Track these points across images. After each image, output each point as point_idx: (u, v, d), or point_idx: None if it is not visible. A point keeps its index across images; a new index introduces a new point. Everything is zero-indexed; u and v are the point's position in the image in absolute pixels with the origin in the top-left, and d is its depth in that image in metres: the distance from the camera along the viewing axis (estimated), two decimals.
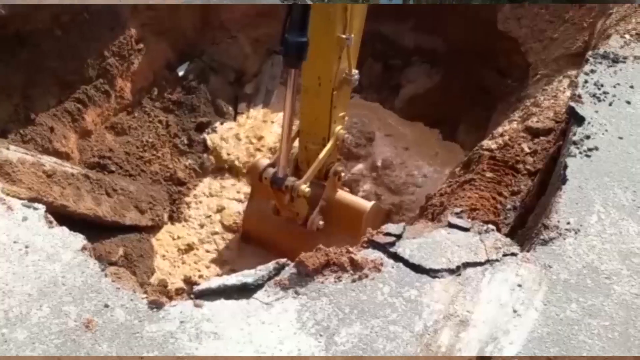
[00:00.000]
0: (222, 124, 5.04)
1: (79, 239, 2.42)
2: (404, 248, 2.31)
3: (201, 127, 4.97)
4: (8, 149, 3.44)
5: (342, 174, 4.04)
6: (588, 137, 2.83)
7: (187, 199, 4.63)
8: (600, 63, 3.37)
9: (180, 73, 5.19)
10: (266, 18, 5.50)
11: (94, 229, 3.75)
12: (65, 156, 4.19)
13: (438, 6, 4.85)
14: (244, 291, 2.15)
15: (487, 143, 3.56)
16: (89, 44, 4.53)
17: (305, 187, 3.53)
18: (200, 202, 4.63)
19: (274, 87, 5.40)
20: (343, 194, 4.11)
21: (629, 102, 3.07)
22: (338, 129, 3.77)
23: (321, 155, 3.69)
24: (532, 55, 4.35)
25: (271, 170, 3.61)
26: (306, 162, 3.87)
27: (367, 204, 4.01)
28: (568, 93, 3.73)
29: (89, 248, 2.40)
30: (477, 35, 4.70)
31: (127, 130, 4.72)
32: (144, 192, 4.34)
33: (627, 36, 3.64)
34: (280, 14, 5.32)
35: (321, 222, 3.90)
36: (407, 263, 2.25)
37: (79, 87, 4.48)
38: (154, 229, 4.35)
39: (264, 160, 4.04)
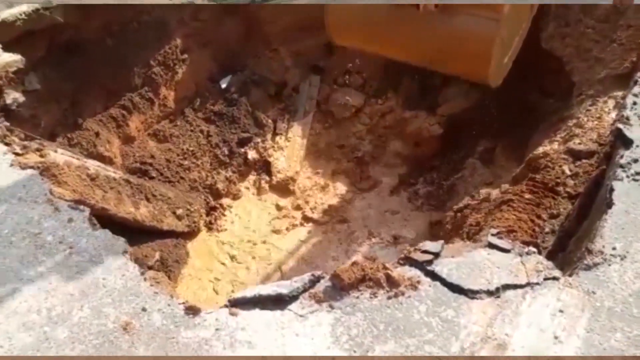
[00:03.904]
0: (262, 142, 5.08)
1: (121, 242, 2.48)
2: (442, 267, 2.28)
3: (243, 142, 5.05)
4: (56, 151, 3.58)
5: None
6: (636, 160, 2.73)
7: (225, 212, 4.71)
8: None
9: (223, 85, 5.30)
10: (307, 32, 5.56)
11: (132, 233, 3.85)
12: (108, 160, 4.33)
13: None
14: (279, 302, 2.16)
15: (525, 164, 3.49)
16: (137, 53, 4.70)
17: None
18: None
19: (311, 108, 5.45)
20: None
21: None
22: None
23: None
24: (577, 75, 4.24)
25: None
26: None
27: None
28: (613, 115, 3.61)
29: (130, 252, 2.46)
30: (520, 53, 4.63)
31: (168, 138, 4.84)
32: (182, 198, 4.43)
33: None
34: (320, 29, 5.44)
35: None
36: (444, 282, 2.21)
37: (125, 94, 4.64)
38: (190, 235, 4.43)
39: None
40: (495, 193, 3.72)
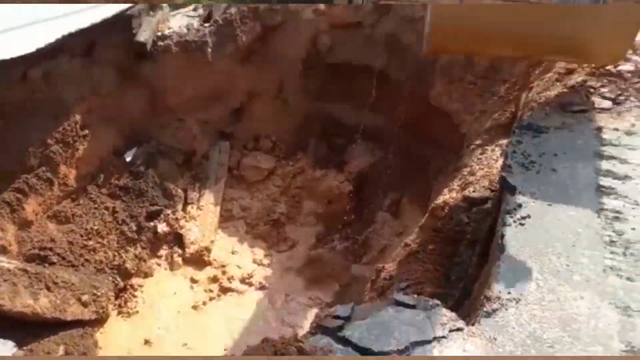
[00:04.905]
0: (173, 213, 4.96)
1: (9, 345, 2.27)
2: (352, 331, 2.29)
3: (152, 216, 4.89)
4: None
5: None
6: (520, 205, 2.95)
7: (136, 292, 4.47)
8: (526, 134, 3.60)
9: (128, 159, 5.17)
10: (213, 100, 5.63)
11: (32, 327, 3.55)
12: (1, 250, 4.01)
13: (379, 84, 5.09)
14: None
15: (428, 214, 3.67)
16: (31, 133, 4.48)
17: None
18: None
19: (223, 175, 5.44)
20: None
21: (554, 170, 3.25)
22: None
23: None
24: (465, 127, 4.60)
25: None
26: None
27: None
28: (501, 161, 3.93)
29: (25, 351, 2.25)
30: (414, 111, 4.96)
31: (70, 219, 4.58)
32: (87, 283, 4.16)
33: (547, 108, 3.94)
34: (227, 97, 5.53)
35: None
36: (356, 347, 2.22)
37: (19, 176, 4.37)
38: (99, 322, 4.13)
39: None
40: (403, 244, 3.85)
